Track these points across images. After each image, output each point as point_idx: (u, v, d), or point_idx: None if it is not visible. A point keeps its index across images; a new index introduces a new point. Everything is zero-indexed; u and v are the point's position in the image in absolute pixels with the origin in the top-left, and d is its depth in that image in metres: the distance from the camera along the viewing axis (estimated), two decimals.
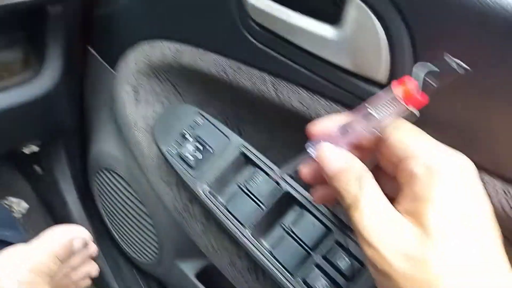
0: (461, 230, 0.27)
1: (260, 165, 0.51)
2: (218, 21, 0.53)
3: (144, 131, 0.65)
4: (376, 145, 0.34)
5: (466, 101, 0.34)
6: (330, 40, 0.41)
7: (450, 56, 0.29)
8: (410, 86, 0.30)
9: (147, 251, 0.84)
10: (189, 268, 0.81)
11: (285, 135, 0.59)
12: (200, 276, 0.80)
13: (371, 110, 0.32)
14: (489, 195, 0.34)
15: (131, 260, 0.96)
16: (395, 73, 0.38)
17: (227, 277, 0.60)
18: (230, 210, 0.50)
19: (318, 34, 0.42)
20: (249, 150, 0.52)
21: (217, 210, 0.51)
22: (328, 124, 0.35)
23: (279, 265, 0.46)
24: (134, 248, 0.88)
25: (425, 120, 0.31)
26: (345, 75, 0.42)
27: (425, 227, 0.27)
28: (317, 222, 0.47)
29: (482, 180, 0.35)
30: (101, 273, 1.02)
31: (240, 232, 0.49)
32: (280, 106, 0.51)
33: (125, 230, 0.86)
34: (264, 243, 0.49)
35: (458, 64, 0.29)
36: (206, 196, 0.51)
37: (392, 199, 0.31)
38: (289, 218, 0.49)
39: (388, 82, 0.39)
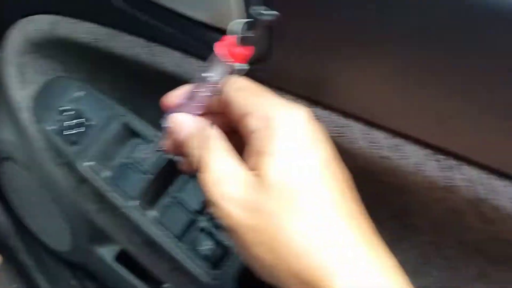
0: (295, 178, 0.27)
1: (143, 135, 0.49)
2: None
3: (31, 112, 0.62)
4: (222, 107, 0.34)
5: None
6: None
7: (255, 8, 0.31)
8: (229, 42, 0.31)
9: (62, 239, 0.81)
10: (107, 252, 0.78)
11: None
12: (120, 258, 0.78)
13: (205, 73, 0.32)
14: None
15: (54, 251, 0.93)
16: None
17: (131, 254, 0.58)
18: (117, 183, 0.48)
19: None
20: (132, 120, 0.49)
21: (104, 185, 0.48)
22: (178, 94, 0.35)
23: (165, 233, 0.45)
24: (49, 237, 0.84)
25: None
26: (206, 30, 0.41)
27: (262, 177, 0.27)
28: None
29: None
30: (24, 267, 0.98)
31: (125, 204, 0.47)
32: (159, 71, 0.49)
33: (38, 219, 0.83)
34: (152, 212, 0.47)
35: (265, 13, 0.30)
36: (90, 172, 0.49)
37: None
38: (175, 186, 0.47)
39: None
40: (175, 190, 0.47)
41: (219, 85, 0.32)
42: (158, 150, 0.44)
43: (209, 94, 0.33)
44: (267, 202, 0.27)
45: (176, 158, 0.37)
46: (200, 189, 0.46)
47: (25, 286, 0.98)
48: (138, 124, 0.49)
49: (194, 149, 0.31)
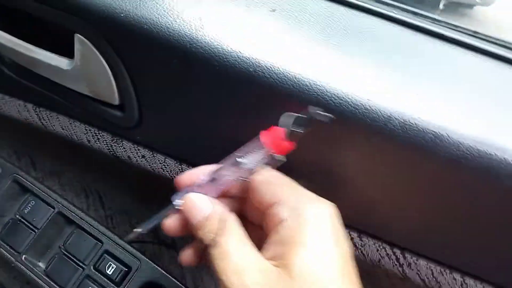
0: (321, 271, 0.28)
1: (32, 190, 0.53)
2: None
3: None
4: (243, 193, 0.35)
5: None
6: (66, 71, 0.45)
7: (314, 107, 0.32)
8: (276, 134, 0.32)
9: None
10: None
11: (71, 158, 0.62)
12: None
13: (239, 158, 0.33)
14: None
15: None
16: (124, 98, 0.44)
17: None
18: (5, 240, 0.51)
19: (56, 66, 0.45)
20: (20, 176, 0.53)
21: None
22: (195, 173, 0.35)
23: (52, 283, 0.48)
24: None
25: (293, 167, 0.33)
26: (90, 101, 0.47)
27: (289, 267, 0.28)
28: (88, 236, 0.50)
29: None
30: None
31: (15, 259, 0.50)
32: (48, 133, 0.53)
33: None
34: (40, 264, 0.51)
35: (323, 114, 0.31)
36: None
37: (259, 247, 0.31)
38: (62, 237, 0.51)
39: (121, 104, 0.45)
40: (61, 242, 0.51)
41: (250, 172, 0.33)
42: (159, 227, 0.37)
43: (237, 178, 0.33)
44: None
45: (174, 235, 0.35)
46: (84, 240, 0.51)
47: None
48: (28, 180, 0.53)
49: (209, 233, 0.31)
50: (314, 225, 0.29)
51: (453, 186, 0.34)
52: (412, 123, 0.32)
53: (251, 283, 0.28)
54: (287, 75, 0.34)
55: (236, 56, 0.35)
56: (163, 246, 0.61)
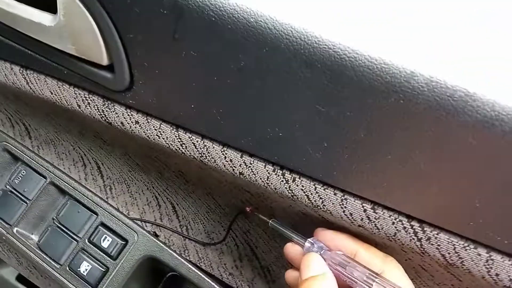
0: None
1: (23, 159, 0.49)
2: None
3: None
4: None
5: None
6: (49, 27, 0.41)
7: None
8: None
9: None
10: (8, 273, 0.77)
11: (65, 124, 0.59)
12: (21, 278, 0.77)
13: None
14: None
15: None
16: (113, 57, 0.40)
17: (23, 275, 0.58)
18: None
19: (38, 22, 0.41)
20: (10, 145, 0.50)
21: None
22: (336, 241, 0.39)
23: (45, 257, 0.46)
24: None
25: None
26: (75, 61, 0.43)
27: None
28: (83, 207, 0.47)
29: None
30: None
31: (6, 231, 0.47)
32: (37, 97, 0.50)
33: None
34: (32, 236, 0.48)
35: None
36: None
37: None
38: (56, 209, 0.49)
39: (110, 65, 0.40)
40: (54, 214, 0.49)
41: None
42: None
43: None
44: None
45: None
46: (78, 211, 0.48)
47: None
48: (19, 149, 0.50)
49: None
50: None
51: (484, 152, 0.29)
52: (440, 80, 0.27)
53: None
54: (295, 29, 0.30)
55: (234, 5, 0.31)
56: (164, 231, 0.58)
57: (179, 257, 0.45)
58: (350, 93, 0.30)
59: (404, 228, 0.38)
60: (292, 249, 0.41)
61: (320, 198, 0.37)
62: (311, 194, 0.37)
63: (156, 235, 0.59)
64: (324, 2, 0.31)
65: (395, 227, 0.38)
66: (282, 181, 0.38)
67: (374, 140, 0.32)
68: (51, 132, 0.61)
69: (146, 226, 0.59)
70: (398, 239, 0.39)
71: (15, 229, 0.48)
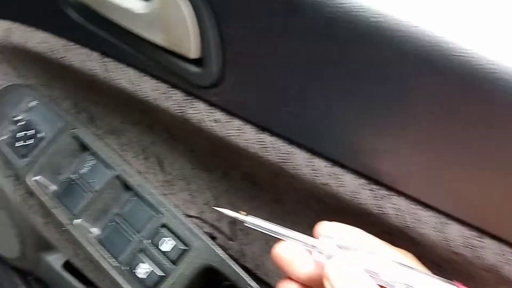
0: None
1: (93, 148, 0.48)
2: None
3: None
4: None
5: None
6: (140, 15, 0.39)
7: None
8: None
9: (10, 246, 0.79)
10: (55, 260, 0.76)
11: (134, 116, 0.57)
12: (67, 266, 0.76)
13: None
14: None
15: (1, 257, 0.90)
16: (205, 51, 0.38)
17: (78, 267, 0.57)
18: (60, 200, 0.47)
19: (128, 8, 0.40)
20: (81, 133, 0.49)
21: (47, 201, 0.47)
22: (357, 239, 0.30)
23: (104, 253, 0.44)
24: None
25: None
26: (162, 52, 0.41)
27: None
28: (147, 206, 0.45)
29: None
30: None
31: (69, 221, 0.46)
32: (113, 86, 0.48)
33: None
34: (94, 230, 0.47)
35: None
36: (36, 186, 0.48)
37: None
38: (119, 204, 0.47)
39: (200, 58, 0.38)
40: (118, 209, 0.47)
41: None
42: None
43: None
44: None
45: None
46: (141, 209, 0.46)
47: None
48: (89, 138, 0.49)
49: None
50: None
51: None
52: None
53: None
54: (426, 34, 0.26)
55: (355, 2, 0.28)
56: (222, 235, 0.56)
57: (239, 271, 0.43)
58: (484, 109, 0.27)
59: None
60: (288, 250, 0.30)
61: (416, 219, 0.34)
62: (407, 215, 0.34)
63: (213, 237, 0.56)
64: (459, 5, 0.28)
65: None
66: (376, 197, 0.35)
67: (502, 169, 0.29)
68: (116, 122, 0.60)
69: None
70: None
71: (77, 220, 0.46)
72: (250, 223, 0.32)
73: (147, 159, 0.60)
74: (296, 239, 0.30)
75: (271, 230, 0.31)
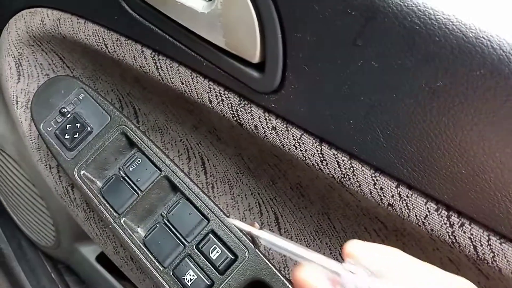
0: None
1: (140, 146, 0.47)
2: None
3: (25, 107, 0.59)
4: None
5: None
6: (201, 14, 0.37)
7: None
8: None
9: (45, 234, 0.79)
10: (89, 252, 0.77)
11: (180, 115, 0.56)
12: (101, 259, 0.76)
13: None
14: None
15: (35, 244, 0.91)
16: (267, 55, 0.36)
17: (115, 263, 0.56)
18: (105, 197, 0.46)
19: (190, 6, 0.38)
20: (129, 129, 0.48)
21: (92, 197, 0.46)
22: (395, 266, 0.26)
23: (149, 255, 0.43)
24: (32, 230, 0.82)
25: None
26: (220, 54, 0.39)
27: None
28: (195, 210, 0.44)
29: None
30: (3, 256, 0.96)
31: (113, 220, 0.45)
32: (165, 84, 0.47)
33: (22, 212, 0.80)
34: (139, 230, 0.45)
35: None
36: (81, 181, 0.47)
37: None
38: (166, 205, 0.46)
39: (261, 63, 0.36)
40: (164, 210, 0.46)
41: None
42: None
43: None
44: None
45: None
46: (189, 213, 0.44)
47: (4, 276, 0.96)
48: (137, 134, 0.47)
49: None
50: None
51: None
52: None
53: None
54: None
55: (449, 15, 0.25)
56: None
57: (289, 284, 0.41)
58: None
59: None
60: (311, 275, 0.26)
61: (492, 251, 0.31)
62: (481, 245, 0.32)
63: (255, 243, 0.55)
64: None
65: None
66: (445, 224, 0.33)
67: None
68: (160, 120, 0.59)
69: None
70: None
71: (123, 219, 0.45)
72: (264, 239, 0.29)
73: (190, 159, 0.59)
74: (317, 263, 0.26)
75: (288, 250, 0.27)
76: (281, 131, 0.39)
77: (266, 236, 0.28)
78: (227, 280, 0.41)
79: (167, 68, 0.45)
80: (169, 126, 0.58)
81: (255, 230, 0.30)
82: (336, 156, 0.37)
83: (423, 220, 0.33)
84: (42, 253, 0.95)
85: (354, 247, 0.26)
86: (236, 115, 0.42)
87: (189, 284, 0.41)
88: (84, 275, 0.83)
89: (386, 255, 0.26)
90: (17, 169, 0.71)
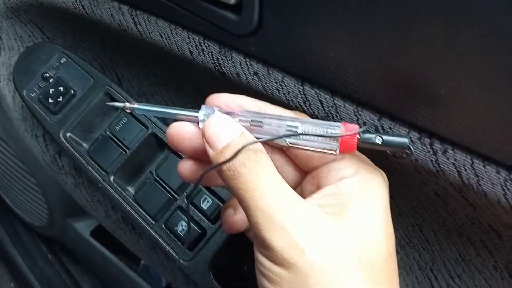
0: (373, 231, 0.28)
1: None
2: None
3: (8, 80, 0.59)
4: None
5: None
6: None
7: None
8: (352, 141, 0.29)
9: (37, 213, 0.79)
10: (82, 227, 0.77)
11: (163, 76, 0.56)
12: (95, 233, 0.76)
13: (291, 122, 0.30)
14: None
15: (29, 225, 0.90)
16: None
17: (108, 230, 0.57)
18: (93, 157, 0.46)
19: None
20: (113, 89, 0.47)
21: (80, 159, 0.46)
22: (236, 102, 0.31)
23: (141, 211, 0.43)
24: (24, 211, 0.82)
25: None
26: (197, 0, 0.39)
27: (347, 220, 0.27)
28: None
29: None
30: None
31: (103, 179, 0.45)
32: (143, 41, 0.47)
33: (13, 193, 0.80)
34: (129, 188, 0.45)
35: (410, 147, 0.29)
36: (68, 143, 0.47)
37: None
38: (154, 161, 0.46)
39: (238, 4, 0.36)
40: (153, 167, 0.46)
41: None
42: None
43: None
44: (347, 248, 0.26)
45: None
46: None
47: (0, 260, 0.96)
48: (120, 94, 0.47)
49: (245, 163, 0.26)
50: (377, 190, 0.29)
51: None
52: None
53: (315, 237, 0.26)
54: None
55: None
56: None
57: None
58: None
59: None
60: (177, 129, 0.30)
61: (477, 175, 0.32)
62: (465, 170, 0.32)
63: None
64: None
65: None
66: (429, 152, 0.33)
67: None
68: (144, 85, 0.59)
69: None
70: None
71: (112, 177, 0.45)
72: (140, 109, 0.32)
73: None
74: (182, 114, 0.30)
75: (161, 112, 0.31)
76: (262, 75, 0.39)
77: (142, 106, 0.32)
78: (219, 227, 0.41)
79: (145, 22, 0.44)
80: (154, 91, 0.58)
81: (129, 105, 0.33)
82: (319, 94, 0.37)
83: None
84: (37, 235, 0.95)
85: (211, 98, 0.32)
86: (217, 64, 0.41)
87: (181, 234, 0.42)
88: (80, 252, 0.83)
89: (238, 99, 0.32)
90: (5, 148, 0.71)
